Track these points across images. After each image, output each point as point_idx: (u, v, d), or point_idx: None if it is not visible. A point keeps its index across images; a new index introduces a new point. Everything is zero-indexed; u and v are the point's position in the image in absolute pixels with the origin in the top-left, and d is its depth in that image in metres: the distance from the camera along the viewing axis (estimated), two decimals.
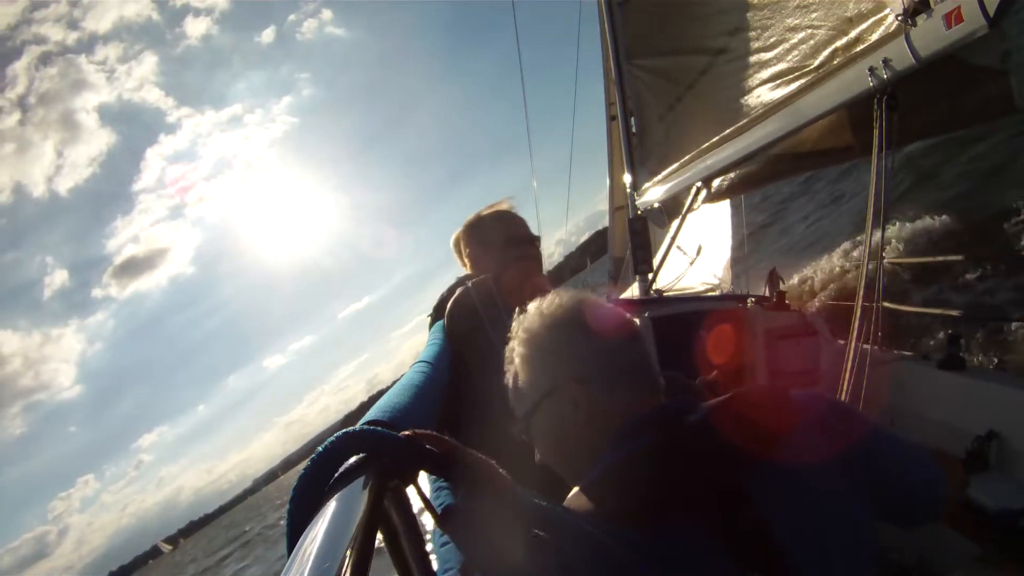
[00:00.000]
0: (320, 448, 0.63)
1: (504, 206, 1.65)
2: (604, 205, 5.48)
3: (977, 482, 1.62)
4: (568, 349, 0.74)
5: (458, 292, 1.44)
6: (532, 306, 0.80)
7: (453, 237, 1.74)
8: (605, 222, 5.67)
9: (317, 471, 0.61)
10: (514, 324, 0.80)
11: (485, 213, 1.64)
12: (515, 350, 0.78)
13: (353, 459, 0.62)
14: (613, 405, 0.71)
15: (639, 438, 0.66)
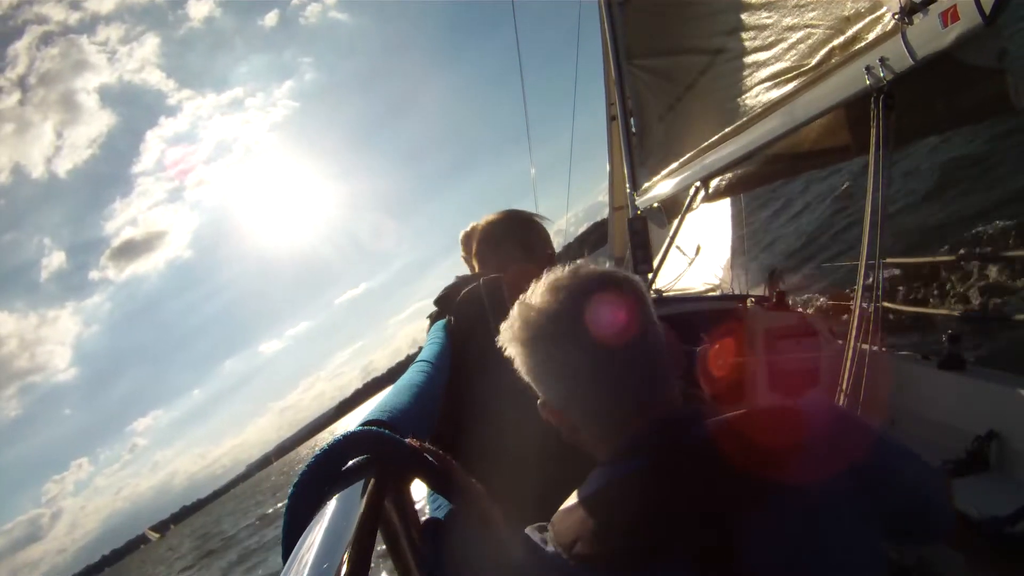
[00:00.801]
0: (322, 447, 0.62)
1: (526, 217, 1.58)
2: (603, 196, 5.50)
3: (962, 488, 1.62)
4: (563, 361, 0.68)
5: (469, 287, 1.41)
6: (526, 301, 0.74)
7: (464, 232, 1.68)
8: (603, 213, 5.70)
9: (318, 470, 0.60)
10: (507, 321, 0.76)
11: (507, 214, 1.58)
12: (510, 349, 0.74)
13: (354, 460, 0.62)
14: (613, 415, 0.68)
15: (635, 458, 0.64)
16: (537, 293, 0.72)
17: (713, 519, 0.58)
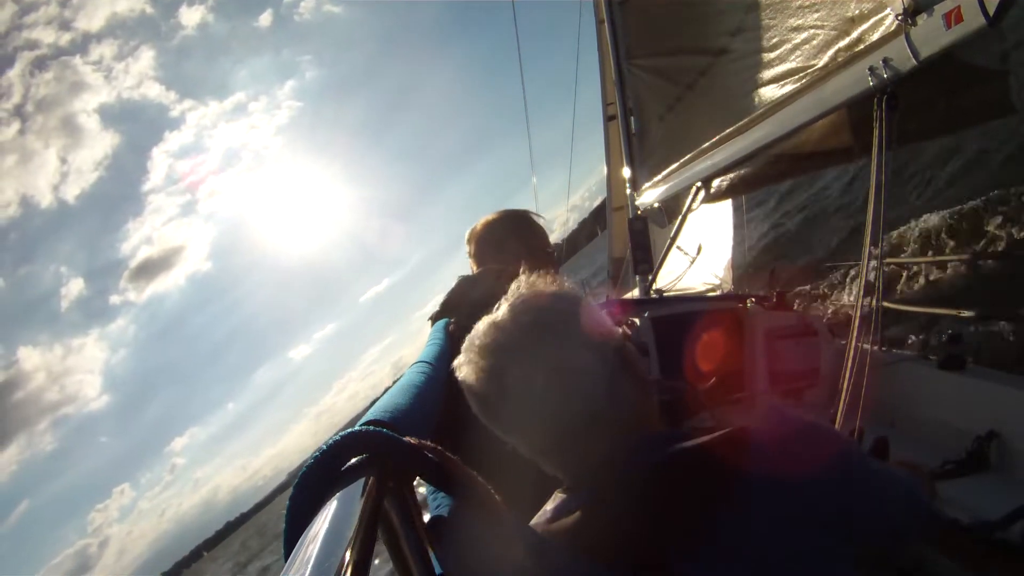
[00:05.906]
0: (321, 447, 0.62)
1: (525, 215, 1.62)
2: (587, 192, 5.50)
3: (962, 489, 1.62)
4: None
5: (475, 276, 1.43)
6: (494, 323, 0.73)
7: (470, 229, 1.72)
8: (590, 210, 5.69)
9: (318, 470, 0.60)
10: (469, 342, 0.74)
11: (505, 213, 1.62)
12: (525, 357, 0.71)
13: (354, 459, 0.62)
14: (578, 454, 0.70)
15: (586, 489, 0.67)
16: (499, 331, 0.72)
17: (646, 562, 0.59)
